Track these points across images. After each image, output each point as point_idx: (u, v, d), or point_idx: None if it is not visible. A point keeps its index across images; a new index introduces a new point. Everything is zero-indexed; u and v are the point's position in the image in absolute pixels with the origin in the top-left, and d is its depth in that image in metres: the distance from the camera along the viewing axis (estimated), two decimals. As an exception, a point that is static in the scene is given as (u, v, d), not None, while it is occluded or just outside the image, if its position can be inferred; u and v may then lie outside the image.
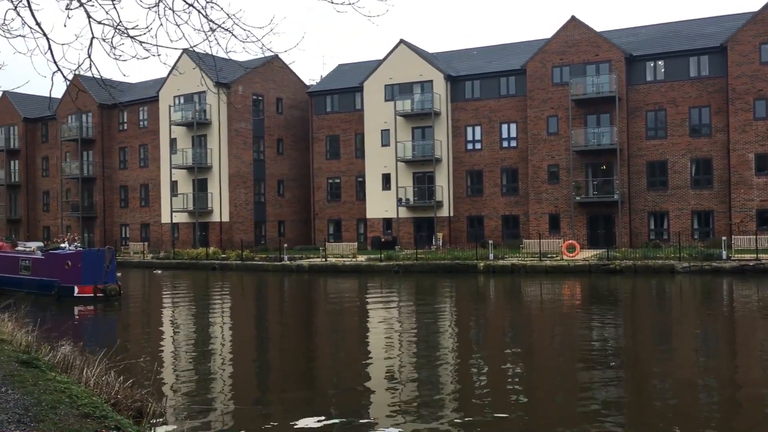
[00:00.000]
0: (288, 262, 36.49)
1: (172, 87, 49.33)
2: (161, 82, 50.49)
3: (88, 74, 8.04)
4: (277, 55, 50.21)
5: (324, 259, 36.71)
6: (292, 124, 51.95)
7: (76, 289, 23.86)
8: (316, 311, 23.01)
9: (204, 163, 47.78)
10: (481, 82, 43.96)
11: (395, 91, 45.21)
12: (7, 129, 60.06)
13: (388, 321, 19.52)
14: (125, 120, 53.82)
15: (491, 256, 33.22)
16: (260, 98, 49.58)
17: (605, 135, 39.61)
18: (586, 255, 33.29)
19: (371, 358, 14.37)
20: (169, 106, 48.93)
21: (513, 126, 43.05)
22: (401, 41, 45.29)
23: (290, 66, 52.26)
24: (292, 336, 18.08)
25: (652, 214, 39.47)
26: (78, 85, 53.81)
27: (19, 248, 28.89)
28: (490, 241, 35.23)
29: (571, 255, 32.18)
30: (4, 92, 60.31)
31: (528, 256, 33.65)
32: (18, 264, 26.12)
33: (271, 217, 50.43)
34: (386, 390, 11.29)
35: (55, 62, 7.86)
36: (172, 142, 49.36)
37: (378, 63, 46.39)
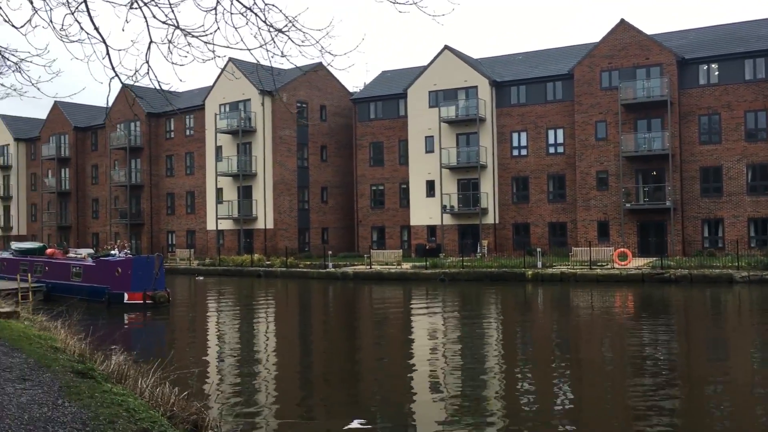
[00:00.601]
0: (332, 270, 36.36)
1: (218, 95, 49.85)
2: (207, 90, 51.06)
3: (145, 80, 7.93)
4: (321, 63, 50.20)
5: (369, 267, 36.47)
6: (336, 131, 51.98)
7: (126, 296, 24.06)
8: (361, 319, 22.74)
9: (249, 171, 48.08)
10: (527, 87, 43.30)
11: (439, 98, 44.85)
12: (58, 137, 61.49)
13: (435, 330, 19.15)
14: (172, 128, 54.58)
15: (539, 264, 32.54)
16: (304, 105, 49.72)
17: (656, 140, 38.55)
18: (638, 263, 32.35)
19: (416, 367, 14.02)
20: (215, 114, 49.42)
21: (560, 131, 42.26)
22: (446, 47, 44.94)
23: (338, 72, 52.29)
24: (338, 345, 17.83)
25: (705, 222, 38.23)
26: (129, 93, 54.84)
27: (70, 255, 29.34)
28: (538, 249, 34.54)
29: (622, 263, 31.32)
30: (56, 101, 61.80)
31: (577, 264, 32.87)
32: (70, 270, 26.49)
33: (315, 224, 50.47)
34: (431, 400, 11.01)
35: (113, 68, 7.74)
36: (218, 149, 49.83)
37: (422, 69, 46.09)
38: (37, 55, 8.89)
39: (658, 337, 17.50)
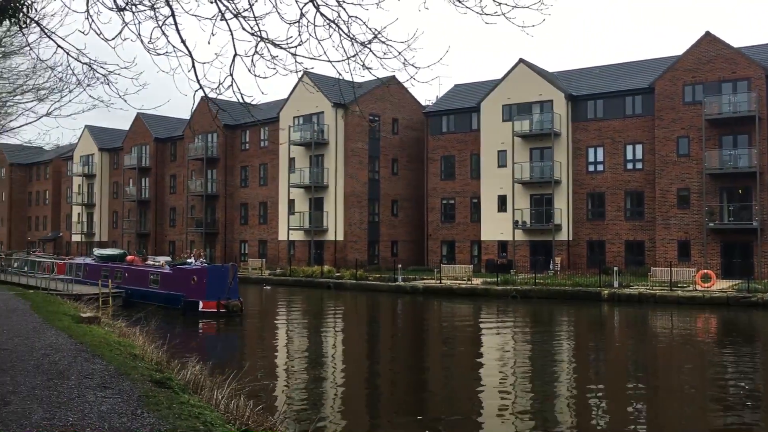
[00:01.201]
0: (402, 283, 36.16)
1: (292, 108, 50.67)
2: (281, 103, 51.95)
3: (228, 93, 7.94)
4: (394, 76, 50.48)
5: (438, 281, 36.10)
6: (408, 144, 51.97)
7: (201, 304, 24.52)
8: (430, 334, 22.42)
9: (321, 183, 48.57)
10: (605, 101, 42.17)
11: (513, 111, 44.21)
12: (140, 148, 63.80)
13: (505, 347, 18.66)
14: (247, 140, 55.77)
15: (616, 283, 31.45)
16: (377, 118, 49.93)
17: (743, 157, 36.81)
18: (721, 286, 30.84)
19: (484, 383, 13.64)
20: (289, 127, 50.20)
21: (639, 147, 40.92)
22: (520, 60, 44.33)
23: (419, 84, 52.34)
24: (407, 359, 17.57)
25: (796, 244, 36.17)
26: (213, 105, 56.34)
27: (148, 262, 30.20)
28: (615, 268, 33.41)
29: (705, 285, 29.91)
30: (138, 113, 64.19)
31: (656, 285, 31.60)
32: (148, 277, 27.24)
33: (385, 237, 50.47)
34: (497, 416, 10.62)
35: (197, 80, 7.80)
36: (291, 161, 50.56)
37: (496, 83, 45.59)
38: (125, 67, 9.09)
39: (742, 366, 16.51)
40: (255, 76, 7.88)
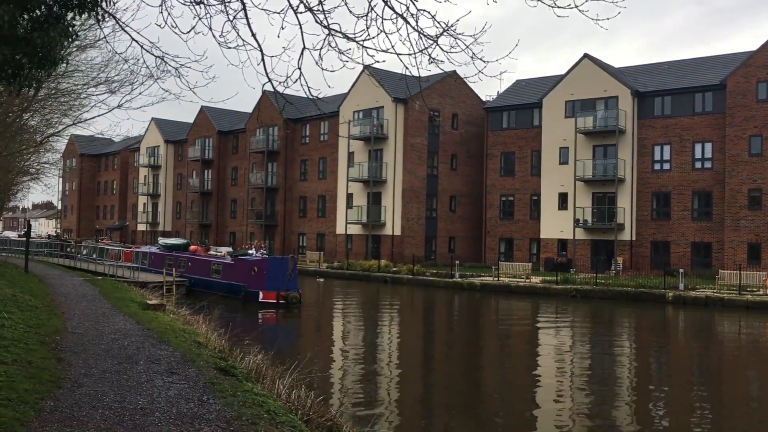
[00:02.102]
0: (459, 280, 35.95)
1: (352, 102, 50.91)
2: (341, 98, 52.25)
3: (296, 86, 8.04)
4: (455, 71, 50.00)
5: (496, 279, 35.75)
6: (467, 140, 51.59)
7: (261, 295, 24.92)
8: (487, 332, 22.21)
9: (379, 177, 48.69)
10: (673, 98, 40.89)
11: (576, 108, 43.34)
12: (203, 141, 65.24)
13: (564, 348, 18.32)
14: (307, 134, 56.35)
15: (681, 285, 30.51)
16: (437, 114, 49.73)
17: (820, 157, 35.19)
18: (794, 291, 29.55)
19: (540, 382, 13.39)
20: (349, 121, 50.47)
21: (708, 146, 39.56)
22: (585, 55, 43.41)
23: (485, 78, 51.93)
24: (463, 357, 17.45)
25: None
26: (279, 98, 57.18)
27: (211, 252, 30.86)
28: (681, 270, 32.40)
29: (777, 290, 28.71)
30: (202, 107, 65.65)
31: (724, 288, 30.53)
32: (210, 267, 27.84)
33: (442, 233, 50.28)
34: (553, 424, 10.36)
35: (266, 74, 7.90)
36: (350, 155, 50.85)
37: (559, 78, 44.78)
38: (196, 60, 9.27)
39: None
40: (323, 69, 7.93)
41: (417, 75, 7.96)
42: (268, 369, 9.93)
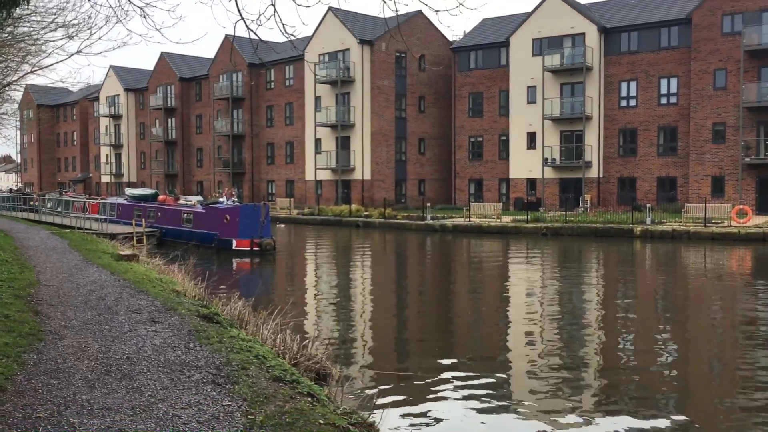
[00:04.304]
0: (431, 222, 36.13)
1: (317, 45, 49.86)
2: (306, 41, 51.13)
3: (270, 24, 7.72)
4: (420, 11, 49.31)
5: (468, 219, 36.00)
6: (435, 81, 51.10)
7: (234, 243, 24.74)
8: (460, 272, 22.44)
9: (347, 121, 48.18)
10: (639, 33, 40.83)
11: (544, 46, 43.08)
12: (165, 88, 63.60)
13: (535, 285, 18.64)
14: (272, 79, 55.25)
15: (648, 220, 31.09)
16: (403, 55, 49.03)
17: (782, 90, 35.66)
18: (757, 221, 30.35)
19: (511, 324, 13.62)
20: (314, 64, 49.53)
21: (673, 81, 39.78)
22: (552, -9, 42.87)
23: (436, 21, 51.14)
24: (437, 298, 17.65)
25: (835, 179, 35.33)
26: (231, 44, 55.60)
27: (180, 202, 30.41)
28: (648, 205, 32.98)
29: (741, 221, 29.45)
30: (162, 53, 63.82)
31: (690, 221, 31.19)
32: (181, 217, 27.48)
33: (412, 176, 50.26)
34: (525, 360, 10.62)
35: (239, 11, 7.58)
36: (317, 100, 50.10)
37: (526, 16, 44.32)
38: (163, -1, 8.86)
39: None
40: (297, 5, 7.65)
41: (394, 15, 7.71)
42: (250, 315, 9.89)
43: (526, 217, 34.48)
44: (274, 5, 7.48)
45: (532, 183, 44.20)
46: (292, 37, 8.04)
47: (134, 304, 9.59)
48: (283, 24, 7.67)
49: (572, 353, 11.09)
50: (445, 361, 10.33)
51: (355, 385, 8.31)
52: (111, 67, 69.81)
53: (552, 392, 8.80)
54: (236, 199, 28.98)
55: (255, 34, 7.87)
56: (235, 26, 7.81)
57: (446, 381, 9.18)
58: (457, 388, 8.87)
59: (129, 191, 34.64)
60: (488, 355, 11.09)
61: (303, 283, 19.97)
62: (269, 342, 8.41)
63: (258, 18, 7.66)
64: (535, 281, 19.60)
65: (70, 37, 16.44)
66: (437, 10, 7.12)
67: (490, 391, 8.79)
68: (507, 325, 13.71)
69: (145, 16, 8.99)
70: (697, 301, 16.82)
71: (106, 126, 71.35)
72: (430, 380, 9.17)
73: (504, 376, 9.66)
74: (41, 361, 6.32)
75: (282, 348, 8.25)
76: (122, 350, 6.88)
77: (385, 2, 7.73)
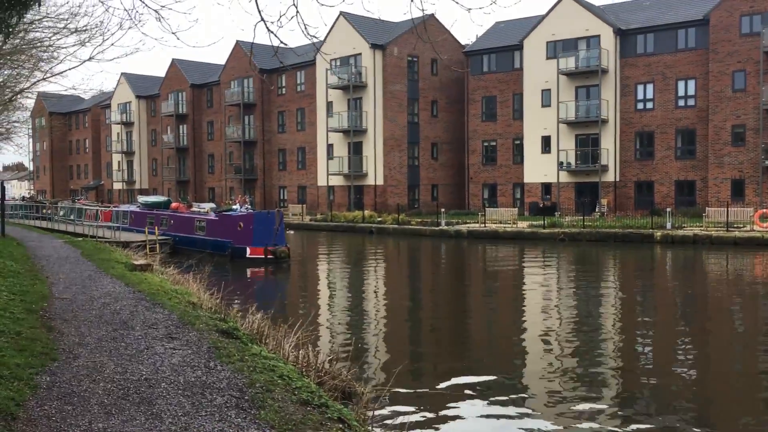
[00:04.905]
0: (446, 227, 35.66)
1: (329, 50, 49.47)
2: (318, 45, 50.80)
3: (264, 38, 7.36)
4: (433, 15, 48.90)
5: (483, 225, 35.51)
6: (447, 85, 50.70)
7: (248, 251, 24.38)
8: (478, 279, 21.97)
9: (359, 126, 47.83)
10: (655, 35, 40.27)
11: (558, 48, 42.59)
12: (176, 95, 63.53)
13: (555, 291, 18.16)
14: (284, 84, 55.02)
15: (668, 224, 30.51)
16: (415, 59, 48.67)
17: (803, 91, 35.00)
18: (780, 226, 29.67)
19: (529, 329, 13.17)
20: (326, 70, 49.26)
21: (691, 83, 39.18)
22: (566, -6, 42.39)
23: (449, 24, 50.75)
24: (456, 305, 17.20)
25: None
26: (242, 50, 55.50)
27: (194, 209, 30.11)
28: (668, 209, 32.38)
29: (764, 225, 28.82)
30: (173, 60, 63.75)
31: (711, 225, 30.58)
32: (194, 224, 27.16)
33: (425, 181, 49.84)
34: (540, 358, 10.70)
35: (259, 12, 7.21)
36: (329, 105, 49.81)
37: (540, 18, 43.85)
38: (178, 1, 8.51)
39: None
40: (320, 4, 7.27)
41: (421, 10, 7.31)
42: (270, 329, 9.49)
43: (542, 222, 33.96)
44: (296, 6, 7.11)
45: (547, 187, 43.65)
46: (315, 39, 7.69)
47: (150, 318, 9.22)
48: (305, 25, 7.31)
49: (589, 359, 10.67)
50: (467, 379, 9.90)
51: (383, 406, 7.88)
52: (122, 74, 69.88)
53: (575, 412, 8.39)
54: (249, 206, 28.63)
55: (275, 35, 7.49)
56: (255, 28, 7.45)
57: (469, 397, 8.81)
58: (481, 406, 8.52)
59: (141, 199, 34.39)
60: (509, 370, 10.65)
61: (319, 294, 19.57)
62: (291, 358, 8.01)
63: (279, 19, 7.31)
64: (557, 289, 19.11)
65: (83, 44, 16.18)
66: (469, 9, 6.73)
67: (514, 409, 8.41)
68: (527, 337, 13.25)
69: (160, 20, 8.65)
70: (720, 308, 16.29)
71: (118, 133, 71.38)
72: (453, 399, 8.78)
73: (525, 395, 9.28)
74: (55, 384, 5.94)
75: (305, 365, 7.85)
76: (139, 370, 6.50)
77: (412, 1, 7.35)
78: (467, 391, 9.08)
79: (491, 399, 8.80)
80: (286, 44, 7.70)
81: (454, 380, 9.62)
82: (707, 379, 10.10)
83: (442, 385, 9.39)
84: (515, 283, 20.67)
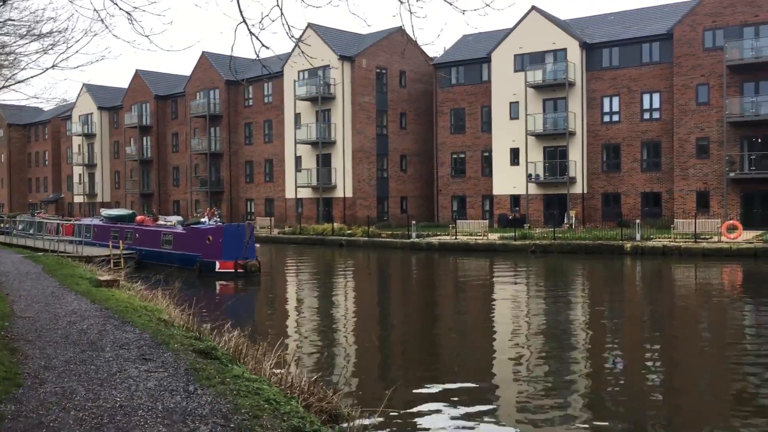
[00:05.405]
0: (417, 240, 35.40)
1: (297, 61, 49.14)
2: (285, 57, 50.43)
3: (274, 27, 6.99)
4: (400, 27, 48.91)
5: (454, 237, 35.34)
6: (416, 97, 50.67)
7: (218, 265, 23.74)
8: (454, 293, 21.72)
9: (328, 138, 47.45)
10: (620, 49, 40.78)
11: (525, 61, 42.84)
12: (140, 106, 62.36)
13: (525, 305, 17.97)
14: (250, 96, 54.39)
15: (638, 236, 30.70)
16: (384, 71, 48.55)
17: (765, 104, 35.65)
18: (747, 237, 30.09)
19: (500, 343, 12.94)
20: (294, 81, 48.84)
21: (656, 96, 39.72)
22: (533, 8, 42.77)
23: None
24: (434, 320, 16.90)
25: (819, 193, 35.33)
26: (207, 60, 54.77)
27: (160, 222, 29.32)
28: (637, 221, 32.63)
29: (731, 236, 29.16)
30: (137, 70, 62.65)
31: (679, 236, 30.86)
32: (160, 238, 26.41)
33: (394, 193, 49.60)
34: (510, 380, 10.62)
35: (241, 13, 6.85)
36: (297, 116, 49.34)
37: (507, 32, 44.11)
38: (154, 2, 8.09)
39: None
40: (307, 5, 6.93)
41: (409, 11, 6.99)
42: (248, 348, 9.03)
43: (513, 234, 33.92)
44: (280, 7, 6.75)
45: (515, 199, 43.76)
46: (300, 42, 7.34)
47: (121, 337, 8.69)
48: (289, 26, 6.97)
49: (582, 385, 10.47)
50: (449, 392, 9.60)
51: (369, 428, 7.49)
52: (84, 85, 68.40)
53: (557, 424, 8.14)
54: (218, 219, 27.98)
55: (257, 38, 7.13)
56: (235, 30, 7.08)
57: (449, 417, 8.47)
58: (463, 420, 8.18)
59: (105, 212, 33.43)
60: (484, 384, 10.39)
61: (293, 309, 19.07)
62: (274, 379, 7.57)
63: (261, 21, 6.95)
64: (525, 301, 18.94)
65: (45, 51, 15.54)
66: (464, 10, 6.46)
67: (490, 423, 8.12)
68: (504, 351, 12.99)
69: (132, 22, 8.22)
70: (695, 319, 16.27)
71: (79, 145, 69.74)
72: (436, 418, 8.43)
73: (497, 404, 9.04)
74: (21, 414, 5.43)
75: (288, 386, 7.42)
76: (113, 396, 6.01)
77: (401, 2, 7.05)
78: (453, 412, 8.76)
79: (472, 418, 8.50)
80: (268, 47, 7.32)
81: (436, 399, 9.29)
82: (674, 384, 10.46)
83: (424, 405, 9.06)
84: (490, 297, 20.44)
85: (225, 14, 7.65)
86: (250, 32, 6.99)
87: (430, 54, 51.76)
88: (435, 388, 9.98)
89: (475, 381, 10.65)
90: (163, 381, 6.55)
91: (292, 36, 6.98)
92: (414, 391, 9.91)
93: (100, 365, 7.16)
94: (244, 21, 6.88)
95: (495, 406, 9.32)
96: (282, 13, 6.78)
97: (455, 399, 9.39)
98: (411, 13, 7.12)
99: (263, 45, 7.24)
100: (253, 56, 7.21)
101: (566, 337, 14.02)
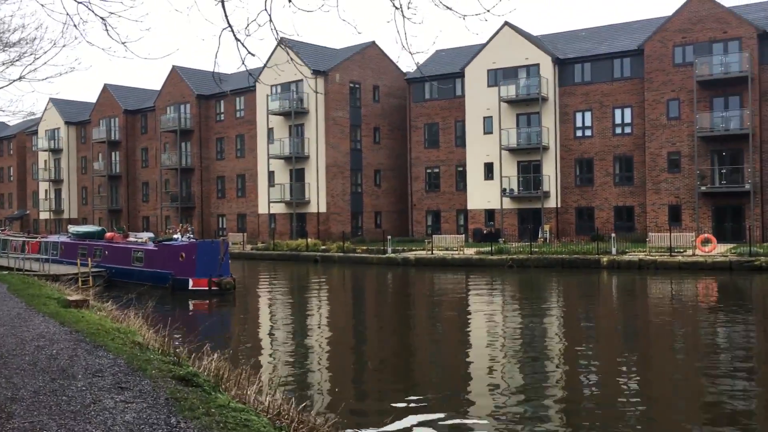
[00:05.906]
0: (393, 255, 35.05)
1: (269, 76, 48.68)
2: (258, 71, 49.92)
3: (204, 63, 6.63)
4: (374, 42, 48.95)
5: (430, 252, 35.06)
6: (389, 112, 50.53)
7: (191, 282, 23.09)
8: (437, 309, 21.38)
9: (301, 153, 47.01)
10: (592, 64, 41.14)
11: (499, 76, 42.99)
12: (109, 121, 61.29)
13: (503, 321, 17.71)
14: (222, 110, 53.76)
15: (613, 250, 30.74)
16: (357, 86, 48.36)
17: (734, 119, 36.21)
18: (721, 250, 30.30)
19: (478, 361, 12.65)
20: (267, 96, 48.37)
21: (627, 111, 40.09)
22: (506, 23, 42.98)
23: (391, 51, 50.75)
24: (414, 336, 16.53)
25: (788, 206, 35.82)
26: (178, 75, 54.03)
27: (130, 239, 28.54)
28: (613, 235, 32.71)
29: (706, 250, 29.33)
30: (105, 84, 61.64)
31: (653, 250, 30.97)
32: (131, 255, 25.67)
33: (368, 208, 49.25)
34: (488, 394, 10.49)
35: (226, 17, 6.47)
36: (270, 131, 48.84)
37: (480, 47, 44.26)
38: (131, 7, 7.66)
39: (744, 332, 15.80)
40: (298, 10, 6.58)
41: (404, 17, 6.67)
42: (230, 373, 8.56)
43: (490, 248, 33.76)
44: (268, 12, 6.39)
45: (490, 214, 43.71)
46: (289, 49, 6.99)
47: (93, 363, 8.16)
48: (277, 32, 6.61)
49: (557, 395, 10.20)
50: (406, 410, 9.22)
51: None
52: (50, 99, 67.06)
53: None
54: (191, 236, 27.31)
55: (243, 45, 6.75)
56: (220, 36, 6.69)
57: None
58: None
59: (73, 228, 32.49)
60: (449, 401, 10.05)
61: (271, 329, 18.52)
62: (260, 407, 7.12)
63: (247, 27, 6.58)
64: (504, 316, 18.67)
65: (12, 62, 14.94)
66: (464, 15, 6.17)
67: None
68: (471, 364, 12.67)
69: (107, 28, 7.77)
70: (669, 331, 16.13)
71: (45, 161, 68.27)
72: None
73: (477, 416, 8.70)
74: (-15, 454, 4.93)
75: (276, 413, 6.98)
76: None
77: (396, 8, 6.73)
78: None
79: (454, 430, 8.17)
80: (254, 54, 6.95)
81: (427, 420, 8.91)
82: (648, 394, 10.61)
83: (411, 419, 8.67)
84: (468, 312, 20.13)
85: (207, 20, 7.26)
86: (236, 38, 6.62)
87: (404, 69, 51.72)
88: (419, 403, 9.62)
89: (454, 393, 10.76)
90: (142, 413, 6.07)
91: (282, 44, 6.62)
92: (399, 406, 9.51)
93: (73, 395, 6.64)
94: (230, 26, 6.51)
95: (475, 419, 9.20)
96: (270, 19, 6.42)
97: (452, 417, 9.03)
98: (405, 18, 6.81)
99: (249, 52, 6.86)
100: (230, 70, 6.86)
101: (541, 348, 13.82)
